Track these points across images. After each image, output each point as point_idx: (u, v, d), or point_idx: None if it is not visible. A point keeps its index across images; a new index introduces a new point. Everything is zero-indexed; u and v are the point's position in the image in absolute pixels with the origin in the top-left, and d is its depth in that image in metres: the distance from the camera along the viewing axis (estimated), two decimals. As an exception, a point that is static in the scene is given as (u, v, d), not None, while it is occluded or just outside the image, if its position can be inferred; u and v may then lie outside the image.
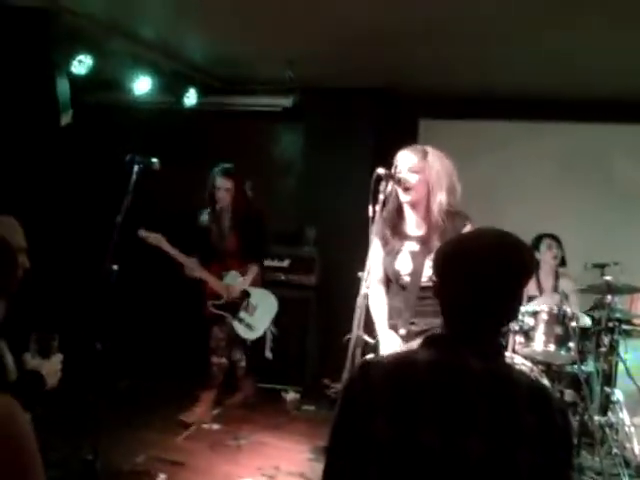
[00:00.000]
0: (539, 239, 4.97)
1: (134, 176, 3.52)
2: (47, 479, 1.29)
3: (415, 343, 2.80)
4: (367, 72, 5.49)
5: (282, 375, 5.43)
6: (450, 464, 1.29)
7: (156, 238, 4.43)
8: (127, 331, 5.25)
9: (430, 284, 2.78)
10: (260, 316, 4.74)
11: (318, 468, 1.45)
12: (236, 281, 4.70)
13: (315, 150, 6.14)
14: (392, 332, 2.95)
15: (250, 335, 4.70)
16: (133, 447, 3.86)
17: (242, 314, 4.69)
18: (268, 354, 4.97)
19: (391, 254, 3.03)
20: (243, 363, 4.90)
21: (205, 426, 4.44)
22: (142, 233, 4.39)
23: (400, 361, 1.47)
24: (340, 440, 1.40)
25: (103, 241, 3.46)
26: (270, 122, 6.32)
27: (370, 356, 2.88)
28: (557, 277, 4.95)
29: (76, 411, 3.84)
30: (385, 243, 3.03)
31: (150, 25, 4.80)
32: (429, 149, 3.00)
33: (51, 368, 1.94)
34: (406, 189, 2.94)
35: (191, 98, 5.76)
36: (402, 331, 2.93)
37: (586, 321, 4.56)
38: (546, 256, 4.92)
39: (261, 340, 5.00)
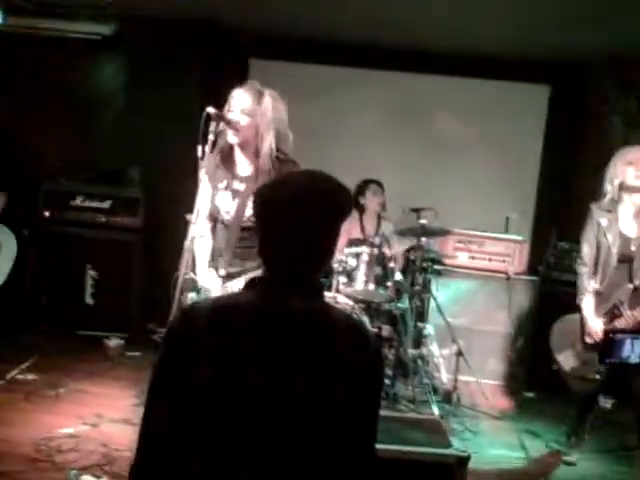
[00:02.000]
0: (365, 184, 5.16)
1: None
2: None
3: (233, 284, 2.85)
4: (195, 3, 5.25)
5: (104, 322, 5.21)
6: (273, 403, 1.33)
7: None
8: None
9: (251, 224, 2.80)
10: None
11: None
12: None
13: (138, 84, 5.81)
14: (212, 271, 2.94)
15: None
16: None
17: None
18: (89, 300, 4.72)
19: (215, 191, 2.99)
20: None
21: (19, 377, 4.16)
22: None
23: (222, 305, 1.46)
24: (161, 386, 1.38)
25: None
26: (87, 51, 5.85)
27: (191, 297, 2.85)
28: (379, 221, 5.20)
29: None
30: (212, 180, 2.98)
31: None
32: (266, 91, 2.94)
33: None
34: (235, 130, 2.89)
35: (-5, 18, 5.16)
36: (222, 272, 2.93)
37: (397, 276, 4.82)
38: (371, 201, 5.13)
39: (79, 285, 4.70)
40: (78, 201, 5.33)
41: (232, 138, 2.91)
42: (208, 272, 2.93)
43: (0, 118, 4.78)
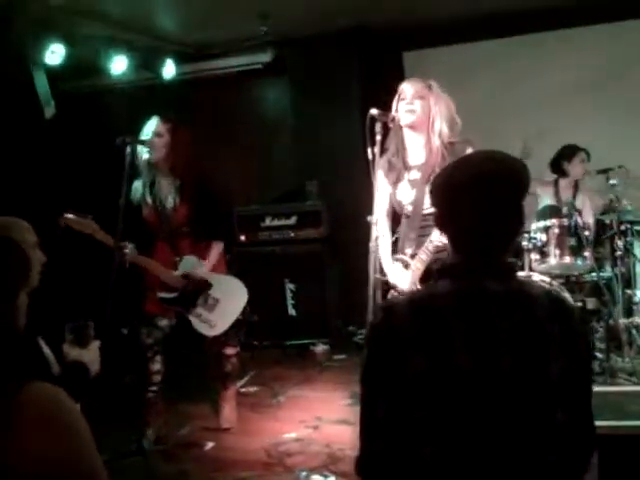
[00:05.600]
0: (573, 150, 4.89)
1: (128, 158, 3.49)
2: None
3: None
4: (340, 13, 5.38)
5: (307, 330, 5.50)
6: (487, 386, 1.34)
7: (86, 225, 3.42)
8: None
9: (431, 210, 2.83)
10: (222, 311, 3.75)
11: (358, 412, 1.48)
12: (196, 268, 3.69)
13: (303, 101, 6.07)
14: (397, 264, 3.02)
15: (209, 332, 3.73)
16: (176, 421, 3.93)
17: (200, 309, 3.72)
18: (291, 311, 4.99)
19: (393, 184, 3.09)
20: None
21: (243, 390, 4.53)
22: (69, 217, 3.39)
23: (420, 296, 1.51)
24: (373, 383, 1.42)
25: (108, 226, 3.45)
26: (253, 80, 6.24)
27: (391, 295, 2.94)
28: (577, 189, 4.91)
29: (114, 395, 3.92)
30: (388, 174, 3.09)
31: (116, 2, 4.70)
32: (432, 82, 3.06)
33: (92, 356, 1.97)
34: (409, 111, 2.98)
35: (169, 70, 5.68)
36: (409, 250, 2.99)
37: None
38: (577, 169, 4.87)
39: (282, 299, 4.98)
40: (267, 221, 5.71)
41: (405, 119, 3.00)
42: (394, 267, 3.02)
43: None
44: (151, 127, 3.62)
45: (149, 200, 3.70)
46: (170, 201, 3.68)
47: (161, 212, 3.69)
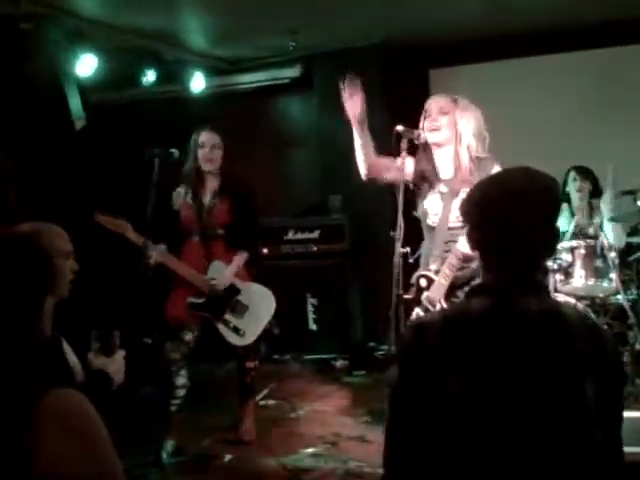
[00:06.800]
0: (568, 172, 4.89)
1: (156, 170, 3.52)
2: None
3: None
4: (367, 29, 5.41)
5: (328, 344, 5.48)
6: (522, 407, 1.31)
7: (119, 224, 3.52)
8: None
9: (457, 224, 2.88)
10: (251, 318, 3.75)
11: (377, 430, 1.47)
12: (221, 274, 3.73)
13: (329, 116, 6.07)
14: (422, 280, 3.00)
15: (238, 341, 3.73)
16: (196, 433, 3.94)
17: (228, 316, 3.74)
18: (312, 326, 4.97)
19: (422, 194, 3.11)
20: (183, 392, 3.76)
21: (262, 403, 4.52)
22: (101, 218, 3.51)
23: (452, 315, 1.48)
24: (403, 403, 1.40)
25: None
26: (280, 95, 6.28)
27: (416, 314, 2.92)
28: (592, 210, 4.85)
29: (133, 405, 3.94)
30: (420, 182, 3.12)
31: (148, 16, 4.78)
32: (459, 97, 3.08)
33: (116, 366, 1.95)
34: (434, 129, 3.00)
35: (198, 83, 5.75)
36: (433, 266, 2.99)
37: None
38: (571, 188, 4.85)
39: (303, 313, 4.98)
40: (290, 235, 5.72)
41: (431, 137, 3.03)
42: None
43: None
44: (210, 139, 3.78)
45: (190, 200, 3.76)
46: (211, 200, 3.76)
47: (199, 211, 3.74)
